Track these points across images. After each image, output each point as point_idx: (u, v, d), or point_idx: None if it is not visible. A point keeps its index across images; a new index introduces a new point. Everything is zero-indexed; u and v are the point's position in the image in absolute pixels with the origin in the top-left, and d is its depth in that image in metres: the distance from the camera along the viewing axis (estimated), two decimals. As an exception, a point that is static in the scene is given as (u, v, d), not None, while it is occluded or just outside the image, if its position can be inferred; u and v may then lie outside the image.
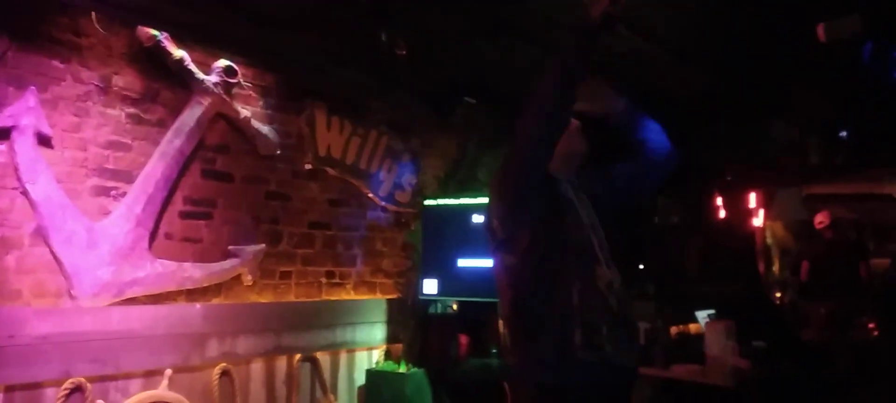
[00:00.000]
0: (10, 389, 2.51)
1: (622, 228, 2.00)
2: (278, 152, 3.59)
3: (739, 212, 6.14)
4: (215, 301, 3.23)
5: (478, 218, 4.07)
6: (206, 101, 3.22)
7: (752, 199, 6.41)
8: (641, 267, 4.93)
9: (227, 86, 3.32)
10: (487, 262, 4.08)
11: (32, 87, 2.65)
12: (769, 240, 6.75)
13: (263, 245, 3.47)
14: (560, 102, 1.66)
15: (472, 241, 4.02)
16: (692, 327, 3.98)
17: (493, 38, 3.70)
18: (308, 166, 3.76)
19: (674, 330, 3.92)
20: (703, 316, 3.84)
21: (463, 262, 4.07)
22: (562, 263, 1.71)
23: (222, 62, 3.30)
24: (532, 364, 1.74)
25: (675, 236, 5.19)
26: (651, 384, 3.63)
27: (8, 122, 2.57)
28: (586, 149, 1.88)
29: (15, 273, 2.59)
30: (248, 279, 3.38)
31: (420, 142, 4.43)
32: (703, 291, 4.63)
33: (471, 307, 4.24)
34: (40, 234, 2.66)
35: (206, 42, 3.24)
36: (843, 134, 5.38)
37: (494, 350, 4.32)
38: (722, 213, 5.98)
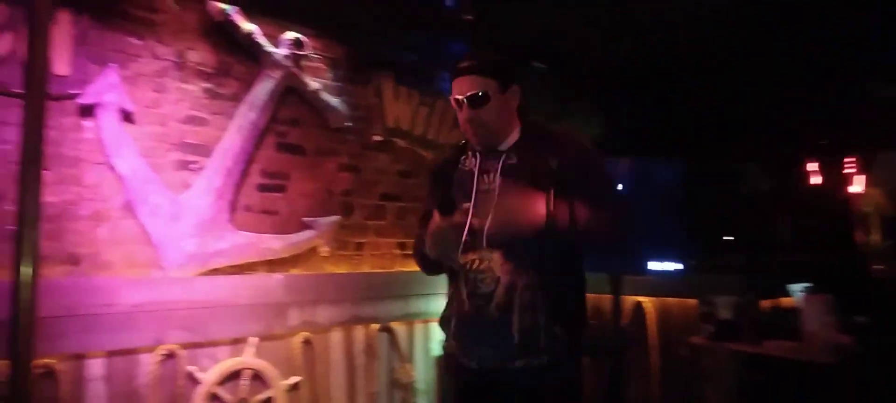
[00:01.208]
0: (109, 354, 2.63)
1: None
2: (348, 124, 3.59)
3: (835, 178, 5.71)
4: (294, 271, 3.28)
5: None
6: (277, 75, 3.25)
7: (849, 164, 5.95)
8: (728, 238, 4.64)
9: (297, 59, 3.34)
10: None
11: (113, 65, 2.74)
12: (868, 208, 6.25)
13: (337, 216, 3.49)
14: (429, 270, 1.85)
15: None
16: (784, 301, 3.75)
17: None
18: (377, 138, 3.75)
19: (764, 304, 3.70)
20: (797, 289, 3.60)
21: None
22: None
23: (290, 34, 3.32)
24: None
25: (764, 205, 4.87)
26: (738, 360, 3.45)
27: (93, 99, 2.67)
28: (477, 119, 1.70)
29: (107, 244, 2.70)
30: (324, 250, 3.41)
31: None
32: (795, 263, 4.33)
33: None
34: (128, 207, 2.76)
35: (274, 14, 3.26)
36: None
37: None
38: (815, 179, 5.57)
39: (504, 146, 1.74)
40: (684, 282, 3.82)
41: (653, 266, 3.36)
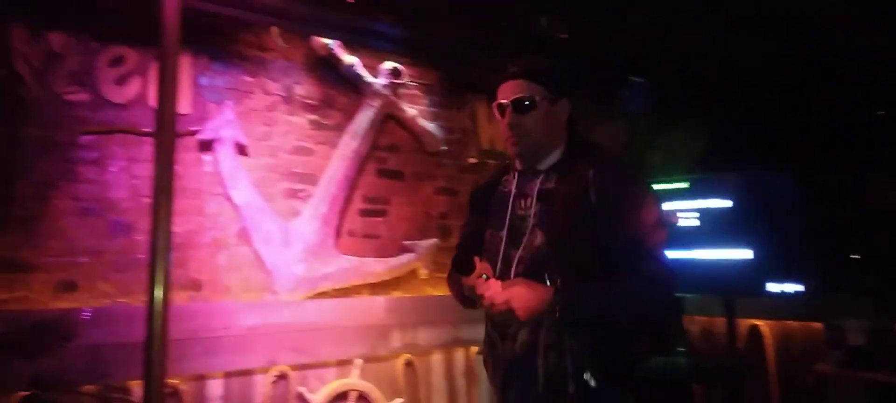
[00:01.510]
0: (228, 375, 2.77)
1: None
2: (444, 148, 3.63)
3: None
4: (395, 294, 3.33)
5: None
6: (377, 103, 3.35)
7: None
8: (855, 256, 4.23)
9: (394, 87, 3.43)
10: (668, 253, 3.76)
11: (229, 102, 2.92)
12: None
13: (435, 239, 3.52)
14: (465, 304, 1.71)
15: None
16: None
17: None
18: (472, 160, 3.77)
19: None
20: None
21: (640, 252, 3.82)
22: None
23: (388, 64, 3.42)
24: None
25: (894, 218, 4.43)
26: (874, 391, 3.15)
27: (212, 135, 2.86)
28: (520, 125, 1.57)
29: (226, 270, 2.86)
30: (423, 272, 3.45)
31: (583, 128, 4.24)
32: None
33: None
34: (243, 235, 2.92)
35: (373, 46, 3.37)
36: None
37: (681, 349, 4.00)
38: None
39: (544, 165, 1.58)
40: (807, 305, 3.54)
41: (771, 287, 3.13)
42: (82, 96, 2.61)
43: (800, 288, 3.13)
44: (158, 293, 1.96)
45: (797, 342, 3.72)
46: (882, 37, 3.73)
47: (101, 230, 2.62)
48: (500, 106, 1.57)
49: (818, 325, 3.58)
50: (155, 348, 1.98)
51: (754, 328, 3.81)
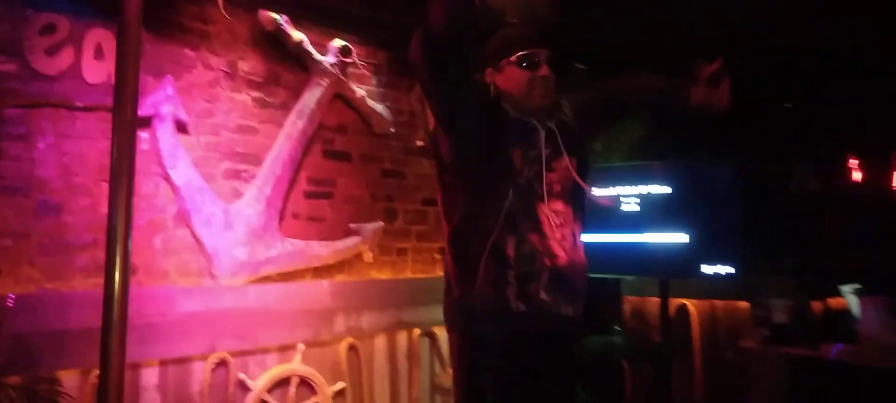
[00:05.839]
0: (164, 363, 2.68)
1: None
2: (392, 130, 3.59)
3: (883, 176, 5.53)
4: (339, 278, 3.30)
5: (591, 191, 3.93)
6: (325, 82, 3.26)
7: (898, 160, 5.75)
8: (781, 240, 4.51)
9: (343, 66, 3.35)
10: (604, 237, 3.79)
11: (169, 76, 2.77)
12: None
13: (381, 222, 3.50)
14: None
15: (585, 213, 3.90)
16: (835, 302, 3.67)
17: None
18: (419, 143, 3.74)
19: (816, 306, 3.62)
20: (847, 289, 3.52)
21: (578, 235, 3.94)
22: (498, 198, 1.71)
23: (338, 42, 3.33)
24: (463, 312, 1.75)
25: (813, 204, 4.73)
26: (791, 364, 3.39)
27: (149, 111, 2.70)
28: (550, 79, 1.85)
29: (162, 254, 2.74)
30: (368, 256, 3.42)
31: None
32: (845, 263, 4.21)
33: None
34: (182, 217, 2.80)
35: (322, 23, 3.27)
36: None
37: (617, 328, 4.16)
38: (860, 176, 5.40)
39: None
40: (734, 285, 3.74)
41: (705, 269, 3.31)
42: (8, 66, 2.42)
43: (731, 270, 3.31)
44: (117, 277, 1.81)
45: (723, 320, 3.94)
46: (811, 34, 3.92)
47: (28, 211, 2.45)
48: (533, 57, 1.81)
49: (743, 304, 3.80)
50: (113, 335, 1.83)
51: (682, 307, 4.00)
